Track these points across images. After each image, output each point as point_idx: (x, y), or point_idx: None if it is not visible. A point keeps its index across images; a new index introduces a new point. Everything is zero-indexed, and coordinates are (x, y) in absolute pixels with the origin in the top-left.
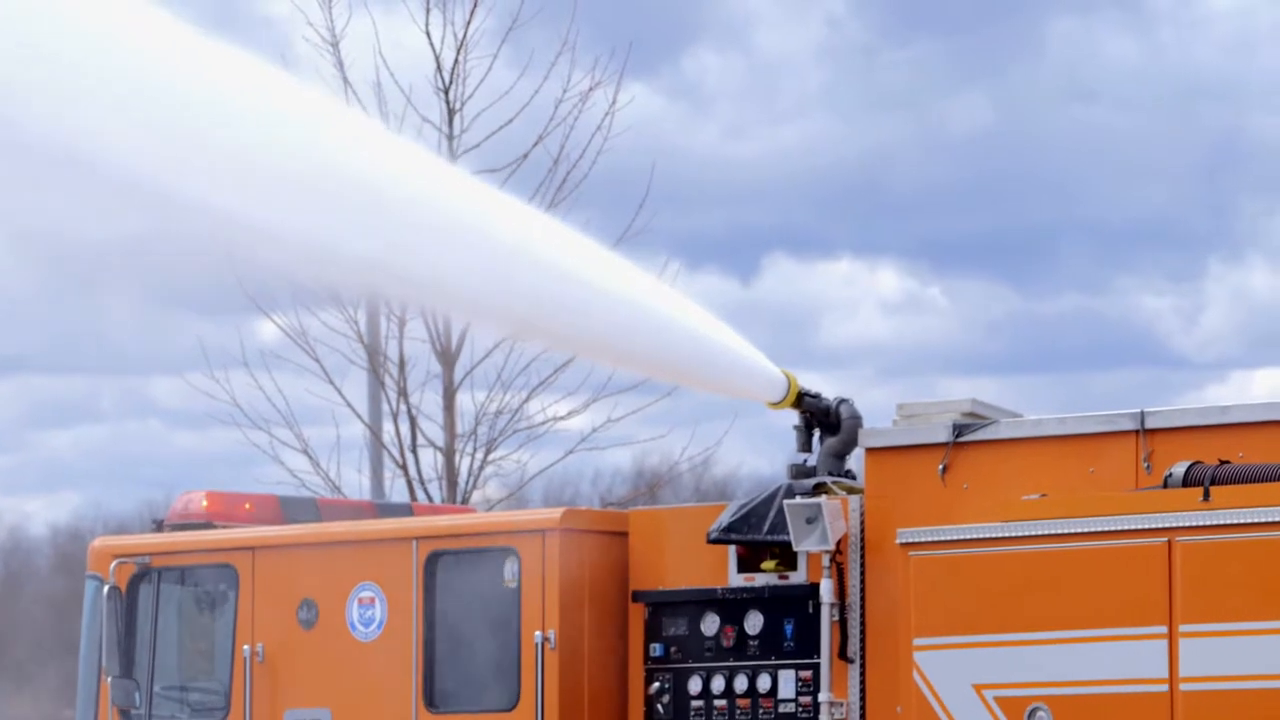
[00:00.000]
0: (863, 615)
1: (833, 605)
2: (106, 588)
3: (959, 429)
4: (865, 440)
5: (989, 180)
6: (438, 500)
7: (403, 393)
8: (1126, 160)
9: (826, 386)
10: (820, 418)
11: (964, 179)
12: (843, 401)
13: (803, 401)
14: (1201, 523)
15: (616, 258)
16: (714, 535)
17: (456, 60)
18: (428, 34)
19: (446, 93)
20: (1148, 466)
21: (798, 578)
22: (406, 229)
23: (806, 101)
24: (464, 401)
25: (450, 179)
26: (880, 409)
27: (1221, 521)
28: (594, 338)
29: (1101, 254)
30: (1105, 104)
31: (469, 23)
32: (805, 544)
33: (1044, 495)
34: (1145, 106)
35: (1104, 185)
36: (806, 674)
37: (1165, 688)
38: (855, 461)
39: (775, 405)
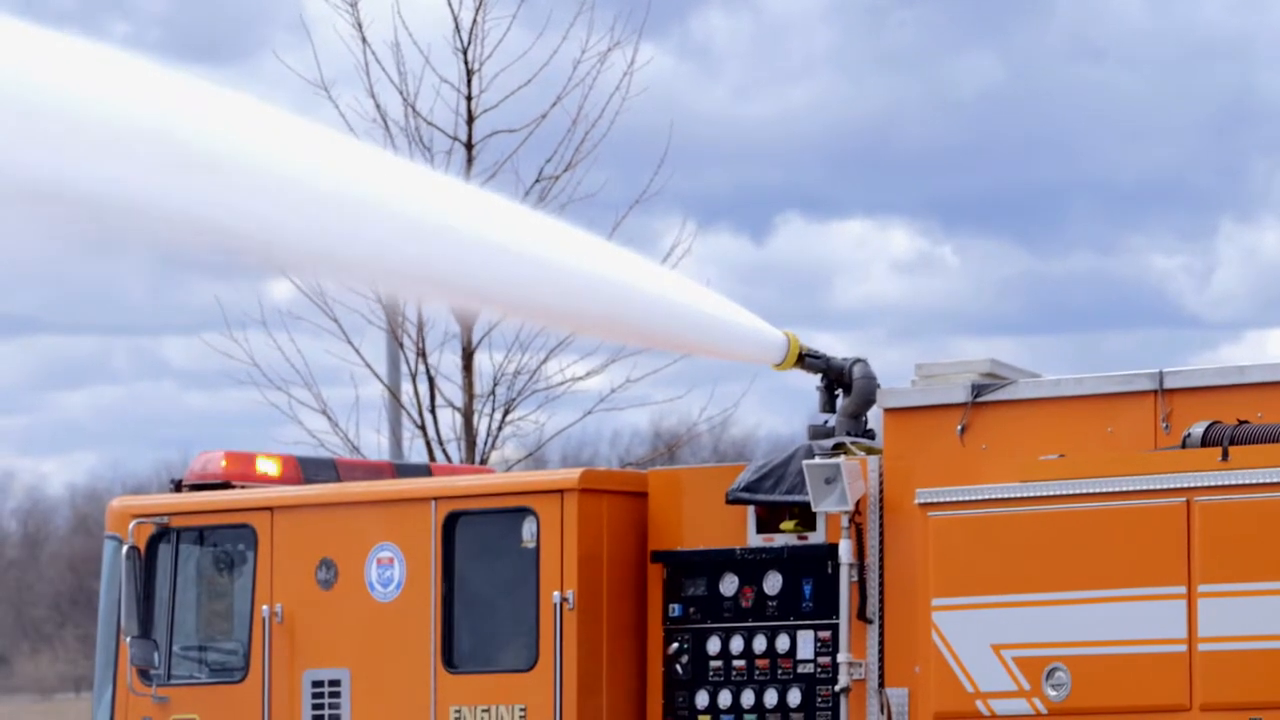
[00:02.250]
0: (881, 576)
1: (851, 566)
2: (125, 548)
3: (977, 389)
4: (884, 400)
5: (998, 140)
6: (456, 461)
7: (421, 353)
8: (1135, 119)
9: (840, 347)
10: (833, 376)
11: (973, 138)
12: (857, 361)
13: (805, 361)
14: (1220, 483)
15: (599, 240)
16: (733, 496)
17: (475, 20)
18: None
19: (465, 53)
20: (1166, 426)
21: (816, 538)
22: (393, 231)
23: (814, 61)
24: (482, 362)
25: (430, 183)
26: (894, 369)
27: (1240, 481)
28: (588, 318)
29: (1111, 213)
30: (1113, 63)
31: None
32: (824, 504)
33: (1062, 455)
34: (1153, 65)
35: (1113, 144)
36: (825, 634)
37: (1184, 648)
38: (875, 421)
39: (779, 366)
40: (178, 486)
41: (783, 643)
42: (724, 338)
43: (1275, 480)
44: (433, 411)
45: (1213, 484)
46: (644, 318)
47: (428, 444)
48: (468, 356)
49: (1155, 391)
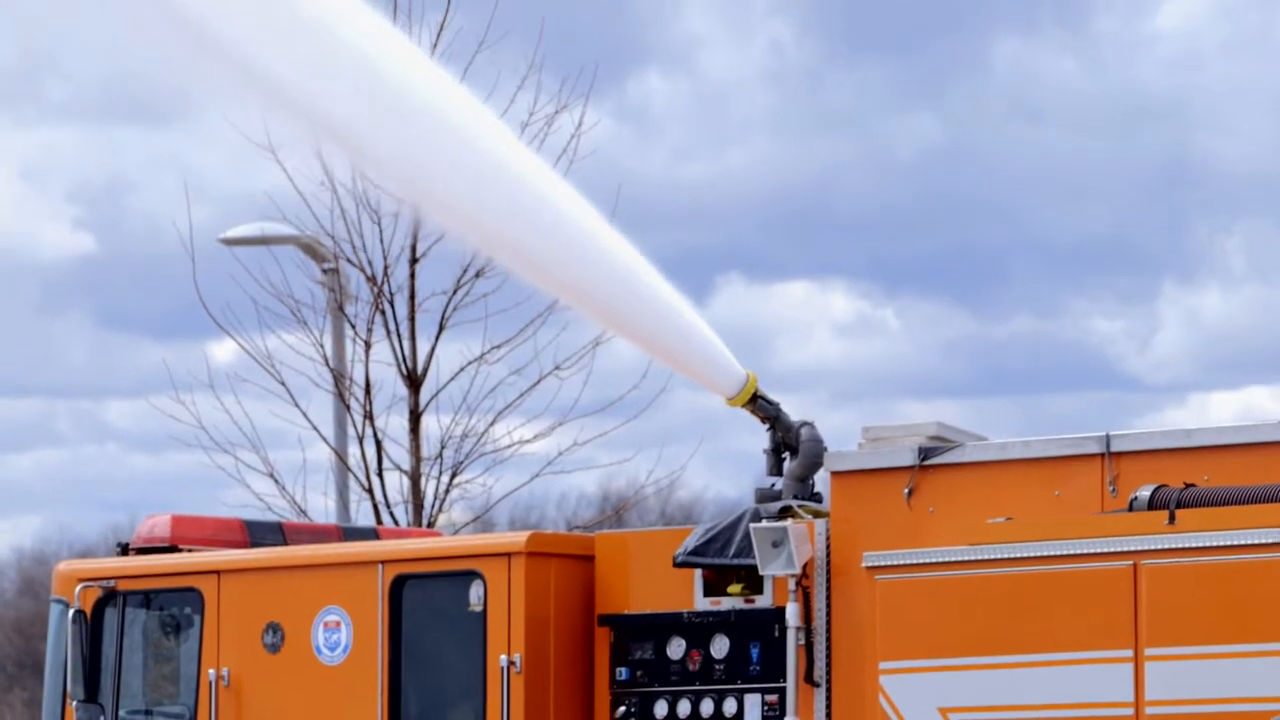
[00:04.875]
0: (829, 639)
1: (799, 629)
2: (71, 612)
3: (924, 452)
4: (830, 464)
5: (938, 201)
6: (404, 524)
7: (368, 416)
8: (1074, 181)
9: (784, 409)
10: (781, 432)
11: (913, 200)
12: (804, 424)
13: (758, 402)
14: (1167, 546)
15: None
16: (680, 559)
17: None
18: None
19: None
20: (1113, 490)
21: (764, 601)
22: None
23: (753, 123)
24: (430, 425)
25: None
26: (837, 432)
27: (1187, 545)
28: (582, 282)
29: (1052, 276)
30: (1051, 124)
31: (435, 45)
32: (771, 568)
33: (1010, 518)
34: (1091, 127)
35: (1053, 206)
36: (772, 698)
37: (1131, 711)
38: (822, 485)
39: (732, 401)
40: (124, 550)
41: (730, 706)
42: (692, 349)
43: (1222, 544)
44: (380, 474)
45: (1160, 547)
46: (629, 297)
47: (375, 507)
48: (415, 419)
49: (1102, 455)
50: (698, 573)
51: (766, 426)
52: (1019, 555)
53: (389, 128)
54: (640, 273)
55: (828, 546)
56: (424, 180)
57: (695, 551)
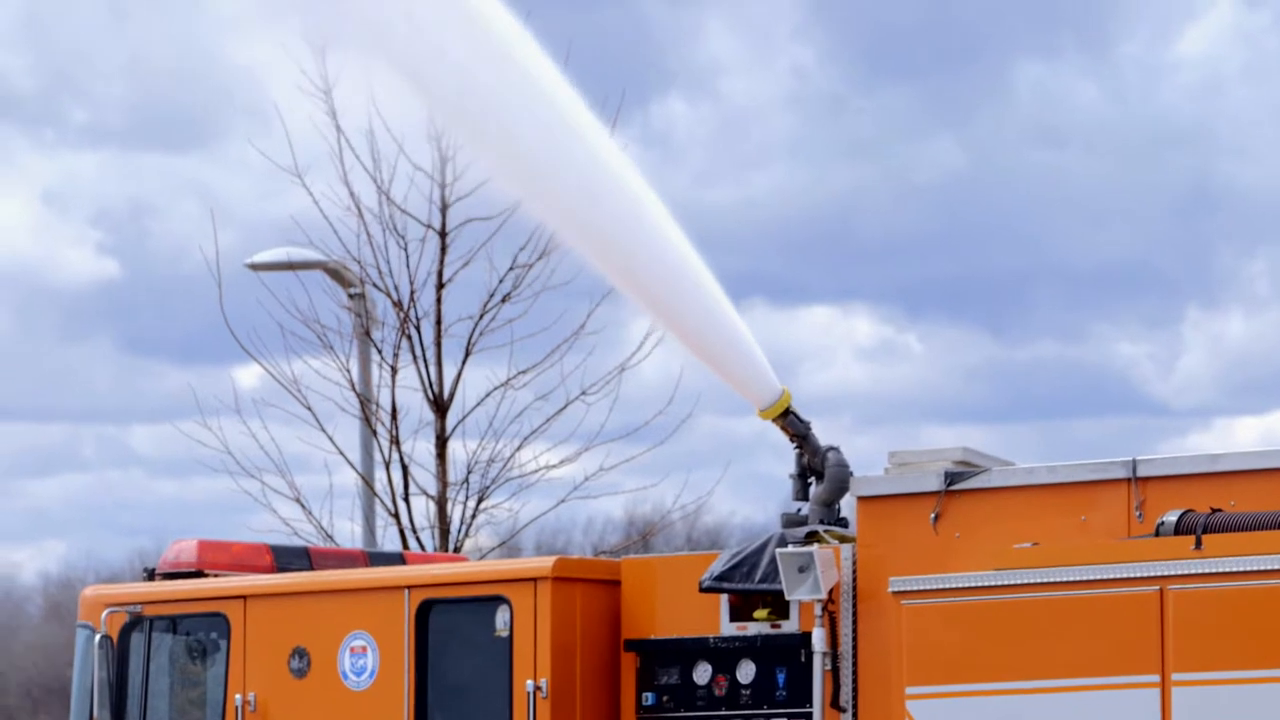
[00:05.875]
0: (855, 664)
1: (825, 654)
2: (98, 637)
3: (951, 477)
4: (857, 489)
5: (961, 225)
6: (430, 549)
7: (395, 441)
8: (1098, 206)
9: (813, 431)
10: (809, 454)
11: (935, 224)
12: (831, 449)
13: (789, 418)
14: (1194, 571)
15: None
16: (706, 584)
17: None
18: None
19: (439, 141)
20: (1139, 515)
21: (790, 626)
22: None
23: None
24: (456, 450)
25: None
26: (862, 456)
27: (1214, 570)
28: (644, 272)
29: (1076, 300)
30: (1074, 149)
31: None
32: (797, 593)
33: (1036, 544)
34: (1114, 152)
35: (1076, 231)
36: None
37: None
38: (848, 510)
39: (764, 413)
40: (151, 575)
41: None
42: (736, 354)
43: (1249, 569)
44: (406, 499)
45: (1186, 572)
46: (685, 292)
47: (401, 532)
48: (441, 444)
49: (1129, 480)
50: (724, 598)
51: (794, 446)
52: (1045, 580)
53: (513, 113)
54: (698, 270)
55: (854, 571)
56: (526, 160)
57: (721, 577)
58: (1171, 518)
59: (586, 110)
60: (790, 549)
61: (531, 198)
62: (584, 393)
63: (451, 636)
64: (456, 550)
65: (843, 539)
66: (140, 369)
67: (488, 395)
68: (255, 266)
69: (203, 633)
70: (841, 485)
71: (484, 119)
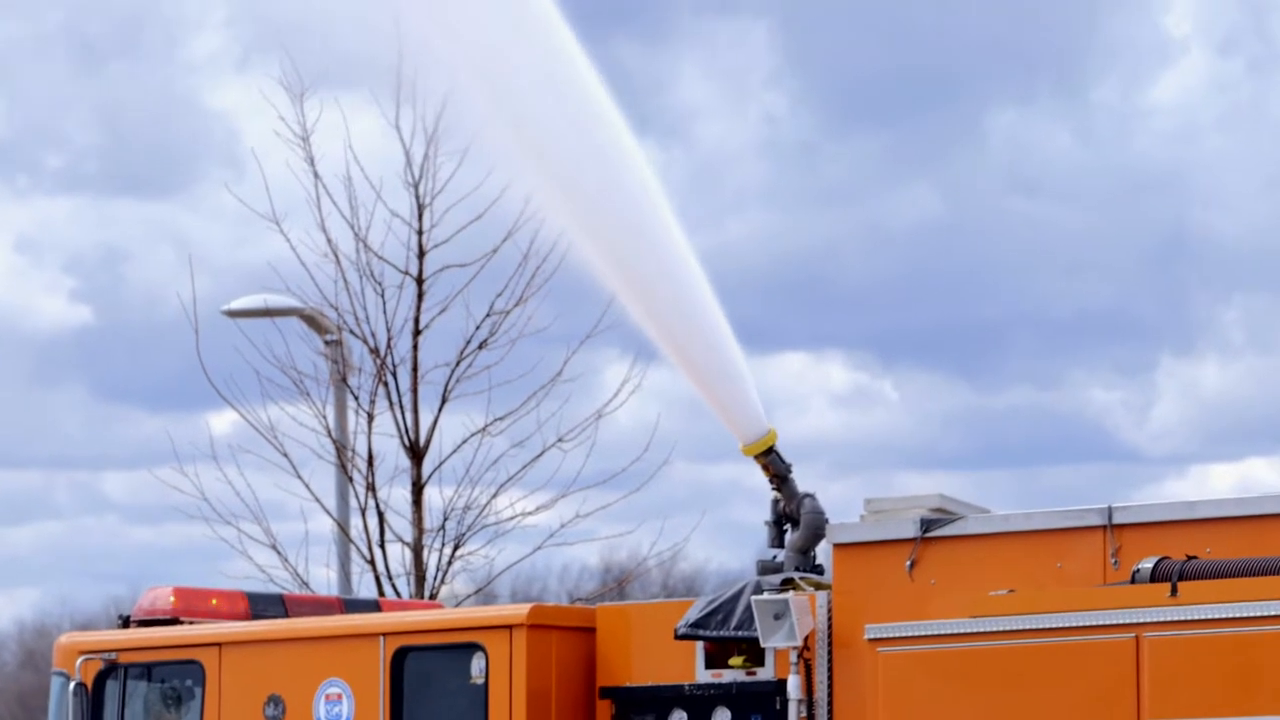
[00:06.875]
0: (830, 711)
1: (800, 701)
2: (73, 684)
3: (926, 524)
4: (833, 535)
5: (935, 273)
6: (406, 596)
7: (371, 487)
8: (1071, 253)
9: (793, 475)
10: (787, 499)
11: (910, 271)
12: (806, 496)
13: (772, 456)
14: (1169, 618)
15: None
16: (681, 631)
17: (426, 155)
18: (398, 129)
19: (416, 188)
20: (1115, 562)
21: (765, 674)
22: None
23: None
24: (432, 496)
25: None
26: (837, 504)
27: (1189, 617)
28: (654, 289)
29: (1050, 347)
30: (1047, 197)
31: (439, 118)
32: (773, 640)
33: (1012, 591)
34: (1087, 199)
35: (1050, 278)
36: None
37: None
38: (824, 557)
39: (747, 449)
40: (126, 622)
41: None
42: (730, 386)
43: (1224, 616)
44: (382, 546)
45: (1162, 619)
46: (690, 314)
47: (377, 578)
48: (417, 491)
49: (1104, 527)
50: (699, 645)
51: (773, 487)
52: (1021, 627)
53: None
54: (705, 295)
55: (829, 618)
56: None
57: (697, 624)
58: (1147, 565)
59: (632, 136)
60: (766, 596)
61: (574, 218)
62: (560, 439)
63: (427, 684)
64: (432, 597)
65: (818, 586)
66: (114, 415)
67: (464, 442)
68: (232, 313)
69: (178, 680)
70: (817, 532)
71: (547, 149)
